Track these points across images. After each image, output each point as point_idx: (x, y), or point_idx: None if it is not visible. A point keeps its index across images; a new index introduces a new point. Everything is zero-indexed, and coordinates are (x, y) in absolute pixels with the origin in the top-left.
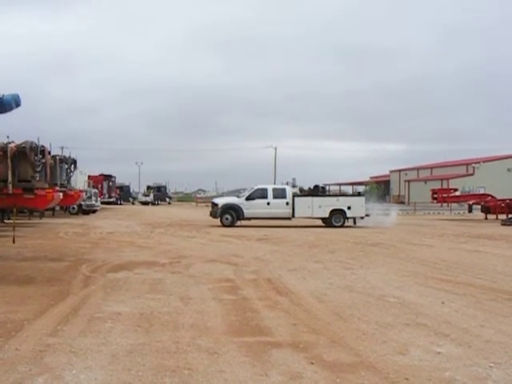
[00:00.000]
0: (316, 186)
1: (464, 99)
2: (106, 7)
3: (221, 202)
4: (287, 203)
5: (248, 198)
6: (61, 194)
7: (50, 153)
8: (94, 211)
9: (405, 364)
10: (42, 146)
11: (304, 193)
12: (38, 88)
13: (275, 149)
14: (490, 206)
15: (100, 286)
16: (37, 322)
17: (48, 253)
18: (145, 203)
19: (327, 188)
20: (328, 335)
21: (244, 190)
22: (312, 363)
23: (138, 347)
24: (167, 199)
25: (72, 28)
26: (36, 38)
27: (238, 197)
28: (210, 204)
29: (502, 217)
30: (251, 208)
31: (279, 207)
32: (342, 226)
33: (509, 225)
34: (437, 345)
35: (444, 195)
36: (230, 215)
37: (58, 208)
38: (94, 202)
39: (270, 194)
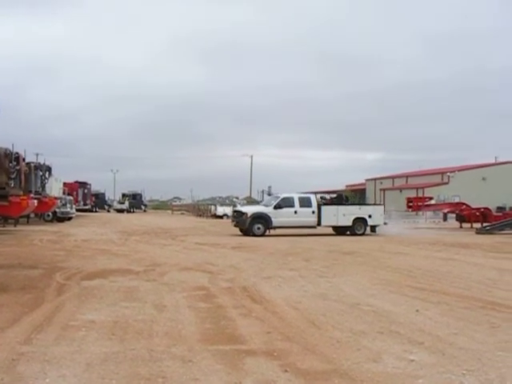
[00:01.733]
0: (340, 195)
1: (443, 108)
2: (90, 12)
3: (250, 210)
4: (313, 212)
5: (276, 207)
6: (35, 201)
7: (24, 159)
8: (69, 218)
9: (378, 372)
10: (17, 153)
11: (326, 202)
12: (20, 93)
13: (251, 157)
14: (465, 215)
15: (74, 294)
16: (10, 330)
17: (22, 260)
18: (120, 211)
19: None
20: (302, 343)
21: (219, 197)
22: (286, 371)
23: (112, 355)
24: (143, 207)
25: (56, 33)
26: (20, 42)
27: (266, 206)
28: (232, 213)
29: (477, 225)
30: (279, 217)
31: (306, 216)
32: (363, 234)
33: (483, 233)
34: (410, 352)
35: (419, 203)
36: (261, 224)
37: (32, 215)
38: (68, 210)
39: (297, 202)
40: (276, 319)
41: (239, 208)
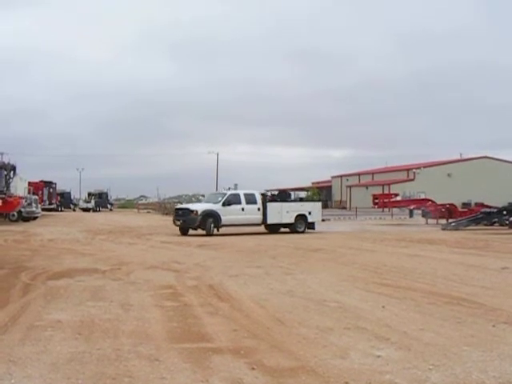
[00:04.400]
0: (283, 191)
1: (409, 105)
2: (57, 6)
3: (200, 208)
4: (259, 209)
5: (224, 204)
6: (0, 200)
7: None
8: (35, 218)
9: (345, 368)
10: None
11: (269, 198)
12: None
13: (217, 154)
14: (431, 211)
15: (40, 294)
16: None
17: None
18: (86, 210)
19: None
20: (269, 340)
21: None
22: (253, 368)
23: (78, 355)
24: (109, 206)
25: (21, 26)
26: None
27: (214, 203)
28: (174, 211)
29: (443, 221)
30: (228, 214)
31: (252, 213)
32: (303, 232)
33: (449, 229)
34: (377, 348)
35: (385, 200)
36: (213, 223)
37: None
38: (34, 209)
39: (243, 199)
40: (242, 317)
41: (185, 205)
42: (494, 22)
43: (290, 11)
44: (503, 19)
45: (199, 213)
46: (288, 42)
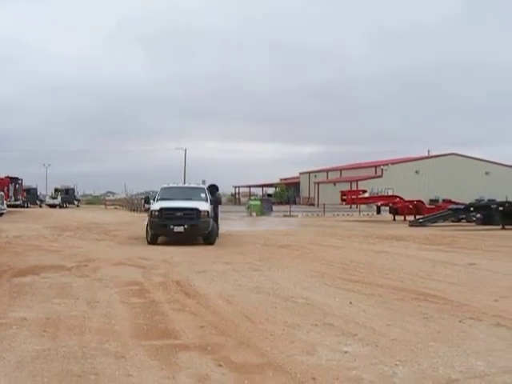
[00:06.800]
0: (213, 185)
1: (380, 102)
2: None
3: (208, 208)
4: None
5: (211, 202)
6: None
7: None
8: (0, 215)
9: (312, 364)
10: None
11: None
12: None
13: (185, 150)
14: (398, 208)
15: (5, 291)
16: None
17: None
18: (52, 206)
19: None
20: (236, 337)
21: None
22: (220, 365)
23: (43, 353)
24: (75, 202)
25: None
26: None
27: (202, 200)
28: (159, 212)
29: (410, 218)
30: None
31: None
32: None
33: (416, 226)
34: (344, 344)
35: (353, 197)
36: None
37: None
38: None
39: (209, 196)
40: (209, 313)
41: (188, 204)
42: (475, 22)
43: (266, 5)
44: (486, 18)
45: (209, 214)
46: (263, 37)
